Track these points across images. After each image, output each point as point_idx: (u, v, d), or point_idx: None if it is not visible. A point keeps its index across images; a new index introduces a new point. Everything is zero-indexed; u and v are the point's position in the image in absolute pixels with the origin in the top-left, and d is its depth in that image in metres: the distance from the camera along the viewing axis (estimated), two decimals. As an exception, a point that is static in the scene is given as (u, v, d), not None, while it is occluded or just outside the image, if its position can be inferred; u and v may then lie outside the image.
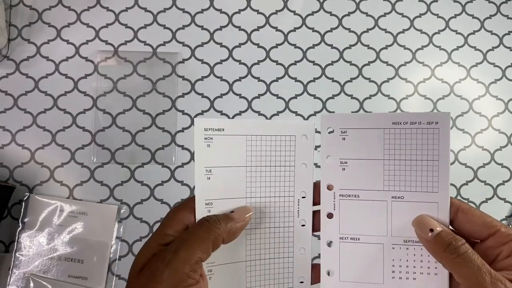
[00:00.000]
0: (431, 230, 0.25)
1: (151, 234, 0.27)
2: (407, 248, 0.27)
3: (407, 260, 0.27)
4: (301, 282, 0.29)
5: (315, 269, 0.29)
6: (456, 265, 0.24)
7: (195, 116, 0.62)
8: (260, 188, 0.28)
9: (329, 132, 0.29)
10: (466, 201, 0.27)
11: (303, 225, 0.29)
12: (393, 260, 0.27)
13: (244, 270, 0.28)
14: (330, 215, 0.29)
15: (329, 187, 0.29)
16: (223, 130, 0.27)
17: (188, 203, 0.27)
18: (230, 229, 0.25)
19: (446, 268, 0.25)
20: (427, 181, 0.27)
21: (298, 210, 0.29)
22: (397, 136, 0.27)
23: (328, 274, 0.28)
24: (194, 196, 0.28)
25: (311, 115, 0.63)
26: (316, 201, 0.29)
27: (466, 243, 0.24)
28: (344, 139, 0.28)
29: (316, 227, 0.29)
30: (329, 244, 0.28)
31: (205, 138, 0.26)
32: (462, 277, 0.24)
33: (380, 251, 0.27)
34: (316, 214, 0.29)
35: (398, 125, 0.27)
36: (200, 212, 0.26)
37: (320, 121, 0.29)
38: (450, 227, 0.27)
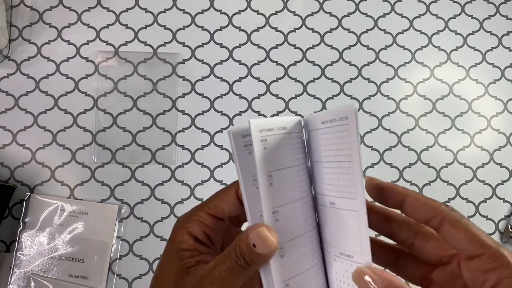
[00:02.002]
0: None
1: (195, 206, 0.26)
2: (342, 262, 0.24)
3: (343, 275, 0.24)
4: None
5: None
6: None
7: (195, 116, 0.62)
8: (304, 186, 0.25)
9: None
10: (456, 209, 0.24)
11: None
12: (336, 273, 0.25)
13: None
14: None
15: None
16: (285, 128, 0.24)
17: (192, 215, 0.26)
18: (259, 262, 0.23)
19: None
20: (349, 185, 0.23)
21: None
22: (317, 137, 0.24)
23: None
24: (199, 206, 0.26)
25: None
26: None
27: None
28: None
29: None
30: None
31: (261, 141, 0.23)
32: None
33: (329, 260, 0.25)
34: None
35: (312, 126, 0.24)
36: (269, 221, 0.24)
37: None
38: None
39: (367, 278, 0.22)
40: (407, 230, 0.26)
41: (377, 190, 0.25)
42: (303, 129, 0.27)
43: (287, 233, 0.24)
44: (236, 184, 0.26)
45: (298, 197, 0.25)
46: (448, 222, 0.23)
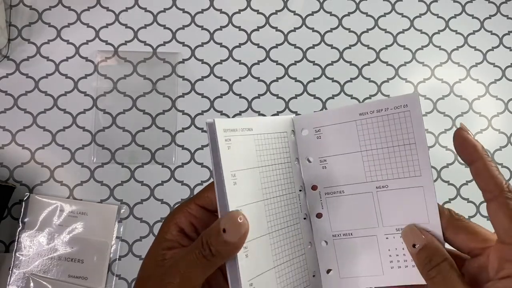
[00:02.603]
0: (413, 245, 0.25)
1: (153, 240, 0.27)
2: (401, 236, 0.26)
3: (402, 249, 0.26)
4: (314, 276, 0.28)
5: None
6: (433, 284, 0.23)
7: (195, 116, 0.62)
8: (272, 187, 0.27)
9: (304, 134, 0.28)
10: (458, 213, 0.25)
11: (304, 218, 0.28)
12: (389, 250, 0.27)
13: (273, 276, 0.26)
14: (319, 215, 0.28)
15: (313, 188, 0.28)
16: (250, 129, 0.26)
17: (182, 207, 0.27)
18: (225, 254, 0.23)
19: (428, 285, 0.24)
20: (408, 166, 0.26)
21: (300, 205, 0.28)
22: (369, 125, 0.26)
23: (327, 272, 0.28)
24: (189, 199, 0.27)
25: (311, 115, 0.63)
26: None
27: (446, 261, 0.23)
28: (319, 137, 0.28)
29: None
30: (324, 243, 0.28)
31: (225, 140, 0.25)
32: None
33: (375, 243, 0.27)
34: None
35: (365, 115, 0.26)
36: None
37: (294, 123, 0.29)
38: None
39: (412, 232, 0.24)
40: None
41: (460, 140, 0.25)
42: (297, 128, 0.29)
43: (251, 232, 0.24)
44: None
45: (262, 198, 0.26)
46: (498, 202, 0.23)
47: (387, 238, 0.27)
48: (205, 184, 0.60)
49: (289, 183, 0.28)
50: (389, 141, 0.26)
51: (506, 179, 0.24)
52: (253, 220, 0.24)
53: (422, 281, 0.25)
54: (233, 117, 0.62)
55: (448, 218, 0.25)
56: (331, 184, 0.28)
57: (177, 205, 0.27)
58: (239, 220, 0.23)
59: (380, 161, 0.26)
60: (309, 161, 0.28)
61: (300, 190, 0.29)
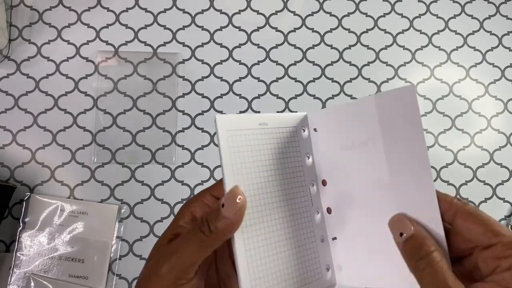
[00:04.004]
0: (401, 234, 0.24)
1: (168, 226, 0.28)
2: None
3: None
4: (328, 270, 0.29)
5: None
6: (422, 276, 0.22)
7: (195, 116, 0.62)
8: (276, 182, 0.27)
9: (315, 130, 0.29)
10: (466, 201, 0.24)
11: (317, 213, 0.29)
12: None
13: (279, 263, 0.27)
14: (329, 210, 0.28)
15: (323, 182, 0.29)
16: (265, 124, 0.27)
17: (198, 196, 0.28)
18: (221, 230, 0.24)
19: (414, 276, 0.23)
20: (410, 163, 0.25)
21: (311, 199, 0.29)
22: (375, 119, 0.26)
23: (341, 269, 0.28)
24: (205, 189, 0.28)
25: (311, 115, 0.63)
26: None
27: (437, 252, 0.23)
28: (328, 133, 0.28)
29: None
30: (334, 239, 0.28)
31: (227, 137, 0.26)
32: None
33: (388, 237, 0.26)
34: None
35: (369, 109, 0.26)
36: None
37: (309, 119, 0.29)
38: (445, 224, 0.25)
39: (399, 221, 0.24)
40: None
41: None
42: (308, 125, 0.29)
43: (253, 217, 0.25)
44: None
45: (266, 188, 0.27)
46: (461, 215, 0.23)
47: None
48: (205, 184, 0.60)
49: (298, 177, 0.28)
50: (393, 136, 0.25)
51: (452, 196, 0.24)
52: (255, 208, 0.25)
53: None
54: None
55: (456, 206, 0.24)
56: (341, 180, 0.28)
57: (194, 195, 0.28)
58: (237, 196, 0.24)
59: (388, 156, 0.26)
60: (319, 156, 0.28)
61: (312, 185, 0.29)
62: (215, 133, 0.62)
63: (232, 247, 0.25)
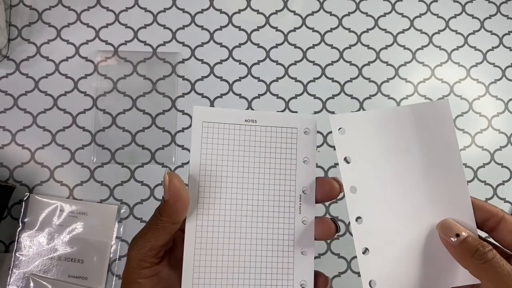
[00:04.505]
0: (457, 235, 0.25)
1: None
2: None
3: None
4: (303, 287, 0.26)
5: (318, 278, 0.27)
6: (484, 270, 0.23)
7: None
8: (258, 181, 0.27)
9: (341, 133, 0.27)
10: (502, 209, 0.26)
11: (304, 223, 0.27)
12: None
13: (237, 270, 0.26)
14: (359, 219, 0.27)
15: (352, 189, 0.27)
16: (254, 121, 0.27)
17: None
18: (166, 212, 0.26)
19: (473, 274, 0.24)
20: (447, 173, 0.26)
21: (300, 207, 0.27)
22: (412, 129, 0.26)
23: (375, 284, 0.26)
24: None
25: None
26: (318, 199, 0.28)
27: (494, 250, 0.24)
28: (357, 137, 0.27)
29: (316, 226, 0.27)
30: (365, 251, 0.26)
31: (203, 128, 0.27)
32: (491, 282, 0.23)
33: (420, 248, 0.26)
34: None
35: (401, 116, 0.27)
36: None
37: (330, 121, 0.27)
38: (479, 232, 0.26)
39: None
40: None
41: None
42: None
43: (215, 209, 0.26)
44: None
45: (237, 185, 0.27)
46: (504, 221, 0.25)
47: (431, 243, 0.26)
48: (205, 184, 0.60)
49: (287, 180, 0.27)
50: (428, 148, 0.26)
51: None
52: (217, 199, 0.26)
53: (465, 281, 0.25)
54: (233, 117, 0.62)
55: (501, 217, 0.26)
56: (371, 187, 0.27)
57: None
58: (167, 179, 0.26)
59: (424, 166, 0.27)
60: (346, 162, 0.27)
61: (304, 192, 0.27)
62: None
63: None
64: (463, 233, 0.25)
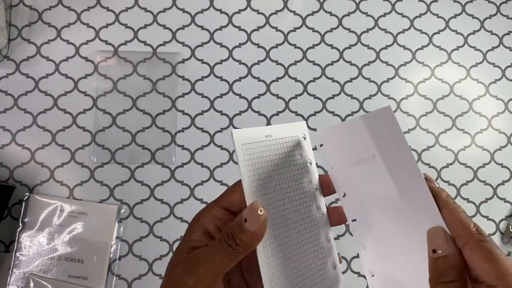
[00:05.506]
0: (434, 251, 0.23)
1: (180, 240, 0.29)
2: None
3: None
4: (334, 268, 0.30)
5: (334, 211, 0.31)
6: None
7: (195, 116, 0.62)
8: (288, 188, 0.29)
9: (322, 147, 0.30)
10: (486, 235, 0.24)
11: (322, 215, 0.30)
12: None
13: (291, 263, 0.28)
14: (354, 219, 0.29)
15: (344, 195, 0.29)
16: (269, 136, 0.29)
17: (207, 209, 0.28)
18: (247, 243, 0.25)
19: None
20: (406, 175, 0.26)
21: (316, 203, 0.30)
22: (369, 138, 0.27)
23: (373, 275, 0.28)
24: (213, 202, 0.28)
25: (311, 115, 0.63)
26: (332, 225, 0.31)
27: (460, 282, 0.22)
28: (334, 149, 0.29)
29: (330, 215, 0.31)
30: (365, 247, 0.29)
31: (243, 150, 0.28)
32: None
33: (404, 243, 0.26)
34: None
35: (360, 128, 0.28)
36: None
37: (314, 135, 0.30)
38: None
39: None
40: None
41: None
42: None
43: (270, 226, 0.27)
44: None
45: (279, 196, 0.28)
46: (470, 246, 0.23)
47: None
48: (205, 184, 0.60)
49: (304, 183, 0.30)
50: (385, 156, 0.27)
51: (473, 222, 0.24)
52: (273, 217, 0.27)
53: None
54: (233, 117, 0.62)
55: (470, 235, 0.23)
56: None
57: (201, 209, 0.29)
58: (258, 210, 0.25)
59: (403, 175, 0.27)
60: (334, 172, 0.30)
61: (315, 189, 0.30)
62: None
63: (258, 257, 0.26)
64: (439, 251, 0.23)
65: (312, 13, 0.65)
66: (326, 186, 0.31)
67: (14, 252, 0.56)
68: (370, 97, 0.64)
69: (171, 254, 0.59)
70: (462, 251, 0.23)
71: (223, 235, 0.25)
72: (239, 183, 0.28)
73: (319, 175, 0.31)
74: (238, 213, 0.29)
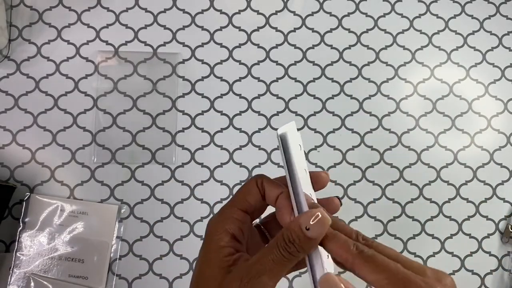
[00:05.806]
0: None
1: (228, 200, 0.29)
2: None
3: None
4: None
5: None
6: None
7: (195, 116, 0.62)
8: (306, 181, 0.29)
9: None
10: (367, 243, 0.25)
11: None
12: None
13: None
14: None
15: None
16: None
17: (227, 213, 0.28)
18: (308, 249, 0.25)
19: None
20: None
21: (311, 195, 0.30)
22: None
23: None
24: (230, 205, 0.28)
25: (311, 115, 0.63)
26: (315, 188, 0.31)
27: None
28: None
29: (326, 206, 0.30)
30: None
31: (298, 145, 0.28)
32: None
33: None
34: None
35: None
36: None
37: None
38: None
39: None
40: None
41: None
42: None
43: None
44: (255, 176, 0.29)
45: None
46: (357, 265, 0.24)
47: None
48: (205, 184, 0.60)
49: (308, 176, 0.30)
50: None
51: (355, 235, 0.25)
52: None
53: None
54: (233, 117, 0.62)
55: (352, 255, 0.24)
56: None
57: (216, 215, 0.28)
58: (320, 216, 0.24)
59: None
60: None
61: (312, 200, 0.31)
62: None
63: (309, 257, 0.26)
64: None
65: (312, 14, 0.66)
66: (331, 209, 0.30)
67: (14, 252, 0.56)
68: (369, 97, 0.64)
69: (171, 254, 0.59)
70: (353, 273, 0.24)
71: (279, 242, 0.25)
72: (249, 183, 0.28)
73: (324, 198, 0.30)
74: (254, 214, 0.29)
